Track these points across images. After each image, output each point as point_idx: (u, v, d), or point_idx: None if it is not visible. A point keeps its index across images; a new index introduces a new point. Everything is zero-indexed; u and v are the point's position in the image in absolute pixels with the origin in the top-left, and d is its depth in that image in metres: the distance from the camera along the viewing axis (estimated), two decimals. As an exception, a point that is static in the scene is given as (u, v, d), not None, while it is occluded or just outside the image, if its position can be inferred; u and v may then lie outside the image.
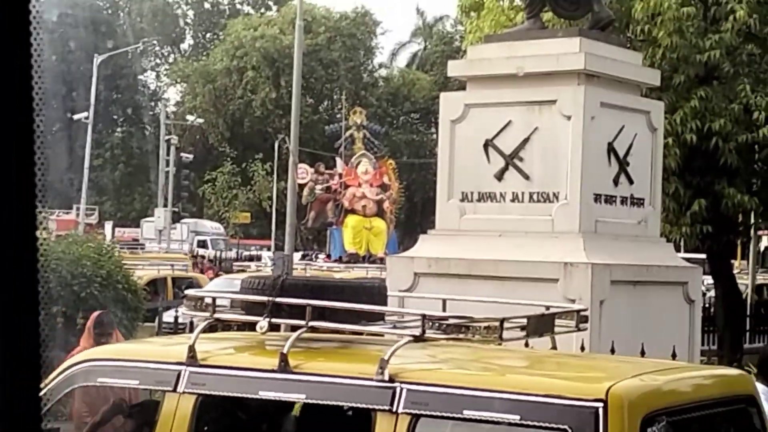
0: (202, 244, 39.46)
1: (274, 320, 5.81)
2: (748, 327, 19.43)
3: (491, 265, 9.10)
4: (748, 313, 20.17)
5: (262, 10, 54.71)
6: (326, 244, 34.07)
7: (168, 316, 15.68)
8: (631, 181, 9.81)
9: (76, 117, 39.67)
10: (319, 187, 27.50)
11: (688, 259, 12.18)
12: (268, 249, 39.70)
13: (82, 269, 13.06)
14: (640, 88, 10.41)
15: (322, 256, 31.24)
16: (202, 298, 6.17)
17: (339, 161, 29.06)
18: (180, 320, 14.03)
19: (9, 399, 1.21)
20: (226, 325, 7.49)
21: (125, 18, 54.21)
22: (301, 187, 27.59)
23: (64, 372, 5.57)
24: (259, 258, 33.61)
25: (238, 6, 55.96)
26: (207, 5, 56.72)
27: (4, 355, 1.20)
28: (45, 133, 1.19)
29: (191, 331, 9.07)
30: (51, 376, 5.63)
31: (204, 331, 6.05)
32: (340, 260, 25.45)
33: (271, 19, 48.94)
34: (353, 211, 26.64)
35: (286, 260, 20.46)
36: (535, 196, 9.47)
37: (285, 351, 5.53)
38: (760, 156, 14.61)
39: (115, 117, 51.30)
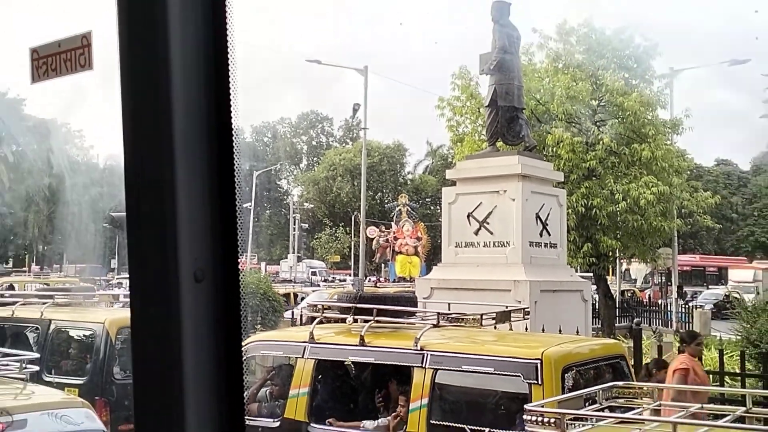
0: (314, 273, 53.28)
1: (356, 316, 7.42)
2: (617, 314, 25.43)
3: (473, 282, 11.57)
4: (617, 306, 26.88)
5: (344, 144, 76.46)
6: (381, 271, 44.66)
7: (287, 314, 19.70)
8: (549, 234, 12.75)
9: (245, 205, 51.85)
10: (381, 239, 35.82)
11: (582, 277, 15.67)
12: (350, 275, 52.17)
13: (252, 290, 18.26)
14: (552, 182, 13.39)
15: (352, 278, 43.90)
16: (316, 305, 8.31)
17: (393, 225, 37.23)
18: (295, 316, 17.24)
19: (223, 385, 1.27)
20: (328, 320, 8.20)
21: (270, 150, 77.85)
22: (371, 240, 37.01)
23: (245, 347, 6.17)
24: (344, 280, 45.98)
25: (331, 143, 79.38)
26: (314, 143, 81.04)
27: (223, 358, 1.28)
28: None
29: (306, 323, 10.89)
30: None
31: (319, 323, 7.72)
32: (396, 281, 33.50)
33: (349, 149, 69.04)
34: (401, 253, 34.26)
35: (360, 282, 28.09)
36: (496, 243, 12.36)
37: (362, 333, 6.98)
38: (620, 218, 19.66)
39: (266, 204, 71.44)
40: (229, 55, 1.26)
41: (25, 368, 6.21)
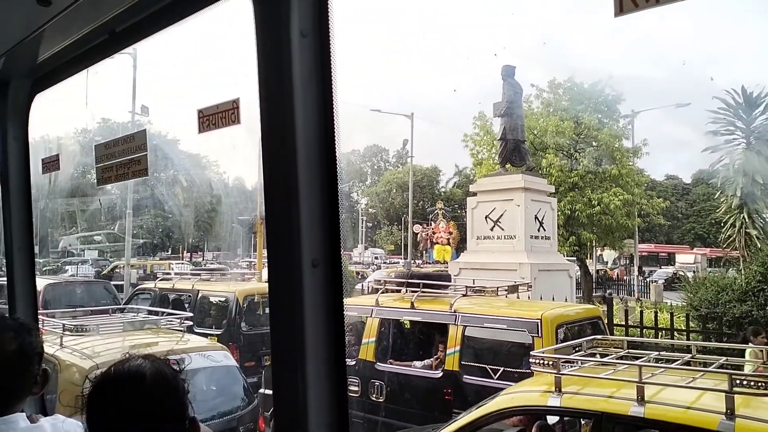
0: (376, 258, 51.96)
1: (408, 288, 7.41)
2: (593, 287, 24.30)
3: (490, 264, 11.56)
4: (594, 281, 25.71)
5: (397, 168, 74.91)
6: (423, 256, 43.38)
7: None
8: (544, 230, 12.59)
9: None
10: (423, 233, 36.42)
11: (568, 260, 15.72)
12: (401, 259, 50.36)
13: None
14: (546, 193, 13.13)
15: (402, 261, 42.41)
16: (380, 280, 8.09)
17: (432, 223, 38.40)
18: (363, 287, 16.77)
19: (332, 340, 1.20)
20: (387, 290, 7.80)
21: (345, 173, 74.07)
22: (416, 234, 36.37)
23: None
24: (397, 263, 44.51)
25: (387, 167, 78.07)
26: (375, 167, 79.61)
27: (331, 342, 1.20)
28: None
29: (371, 292, 10.19)
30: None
31: (383, 292, 7.69)
32: (434, 263, 32.86)
33: (400, 171, 67.71)
34: (438, 243, 35.01)
35: (409, 264, 29.71)
36: (506, 237, 12.26)
37: (413, 300, 6.98)
38: (596, 218, 19.09)
39: (344, 210, 67.27)
40: (334, 110, 1.25)
41: (183, 323, 6.33)
